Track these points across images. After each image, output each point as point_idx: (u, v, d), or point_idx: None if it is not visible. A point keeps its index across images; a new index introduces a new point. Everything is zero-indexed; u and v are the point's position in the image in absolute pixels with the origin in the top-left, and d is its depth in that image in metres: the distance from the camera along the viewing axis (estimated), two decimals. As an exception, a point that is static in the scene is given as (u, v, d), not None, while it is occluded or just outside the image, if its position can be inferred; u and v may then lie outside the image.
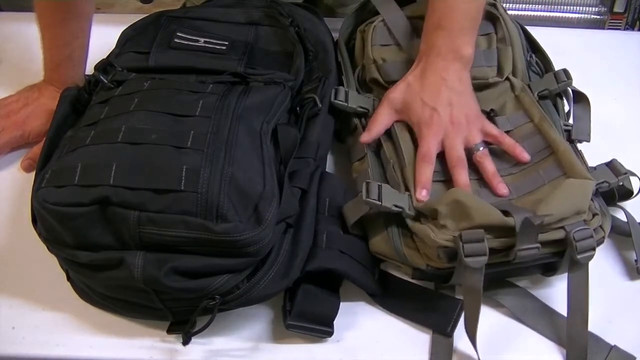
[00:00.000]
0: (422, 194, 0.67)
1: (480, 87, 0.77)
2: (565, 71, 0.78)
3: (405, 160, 0.69)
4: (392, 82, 0.76)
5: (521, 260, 0.61)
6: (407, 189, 0.67)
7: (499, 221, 0.61)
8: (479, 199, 0.64)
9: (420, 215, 0.65)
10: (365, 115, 0.76)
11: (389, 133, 0.74)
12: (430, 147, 0.70)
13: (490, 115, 0.75)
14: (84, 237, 0.59)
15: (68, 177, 0.60)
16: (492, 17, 0.80)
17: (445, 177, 0.70)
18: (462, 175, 0.68)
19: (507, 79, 0.78)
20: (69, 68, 0.82)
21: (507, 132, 0.73)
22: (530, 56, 0.82)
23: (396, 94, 0.74)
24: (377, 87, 0.78)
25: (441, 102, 0.71)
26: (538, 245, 0.61)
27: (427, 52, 0.74)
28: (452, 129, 0.70)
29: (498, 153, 0.72)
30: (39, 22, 0.80)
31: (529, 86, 0.77)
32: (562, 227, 0.62)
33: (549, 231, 0.62)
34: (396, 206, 0.65)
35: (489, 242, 0.60)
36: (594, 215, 0.65)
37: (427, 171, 0.68)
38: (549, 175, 0.68)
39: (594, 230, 0.63)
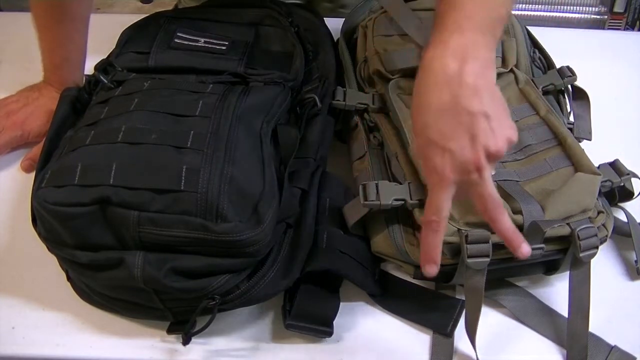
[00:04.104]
0: (431, 270, 0.56)
1: None
2: (569, 68, 0.79)
3: (409, 138, 0.68)
4: (395, 72, 0.76)
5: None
6: (411, 174, 0.66)
7: None
8: None
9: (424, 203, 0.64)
10: (365, 111, 0.76)
11: (389, 120, 0.73)
12: (439, 204, 0.55)
13: None
14: (84, 237, 0.59)
15: (68, 177, 0.60)
16: None
17: None
18: (504, 222, 0.56)
19: (511, 71, 0.78)
20: (67, 70, 0.82)
21: None
22: (534, 52, 0.82)
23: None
24: (379, 79, 0.78)
25: (454, 136, 0.54)
26: (543, 245, 0.61)
27: (430, 57, 0.57)
28: (477, 172, 0.54)
29: None
30: (36, 24, 0.80)
31: (532, 81, 0.77)
32: (568, 224, 0.62)
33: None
34: (397, 199, 0.64)
35: (493, 237, 0.60)
36: (599, 212, 0.65)
37: (435, 241, 0.56)
38: (556, 164, 0.68)
39: (598, 228, 0.63)
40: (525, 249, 0.56)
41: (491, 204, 0.55)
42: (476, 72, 0.54)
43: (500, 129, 0.54)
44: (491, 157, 0.54)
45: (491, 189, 0.55)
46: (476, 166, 0.53)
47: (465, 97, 0.54)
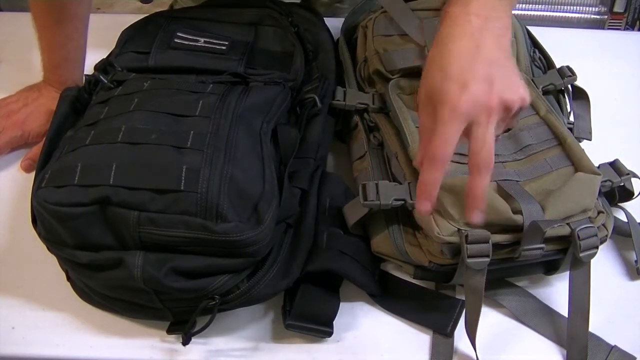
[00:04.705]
0: (424, 207, 0.54)
1: None
2: (569, 67, 0.79)
3: (409, 139, 0.68)
4: (395, 72, 0.76)
5: (525, 258, 0.61)
6: (411, 174, 0.66)
7: (506, 220, 0.60)
8: (489, 190, 0.59)
9: None
10: (365, 111, 0.76)
11: (389, 120, 0.73)
12: (447, 137, 0.53)
13: None
14: (84, 237, 0.59)
15: (68, 177, 0.60)
16: None
17: (463, 160, 0.64)
18: (483, 180, 0.54)
19: None
20: (66, 69, 0.82)
21: None
22: (534, 51, 0.82)
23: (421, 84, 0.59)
24: (379, 79, 0.78)
25: (474, 76, 0.55)
26: (543, 245, 0.61)
27: (453, 12, 0.59)
28: (487, 115, 0.54)
29: (501, 138, 0.71)
30: (35, 24, 0.80)
31: (532, 81, 0.77)
32: (568, 224, 0.62)
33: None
34: (397, 200, 0.64)
35: (493, 237, 0.60)
36: (599, 212, 0.65)
37: (435, 176, 0.54)
38: (556, 163, 0.68)
39: (598, 228, 0.63)
40: (476, 216, 0.55)
41: (485, 152, 0.54)
42: (498, 32, 0.58)
43: (516, 85, 0.57)
44: (503, 107, 0.55)
45: (491, 139, 0.54)
46: (488, 107, 0.54)
47: (487, 48, 0.57)
